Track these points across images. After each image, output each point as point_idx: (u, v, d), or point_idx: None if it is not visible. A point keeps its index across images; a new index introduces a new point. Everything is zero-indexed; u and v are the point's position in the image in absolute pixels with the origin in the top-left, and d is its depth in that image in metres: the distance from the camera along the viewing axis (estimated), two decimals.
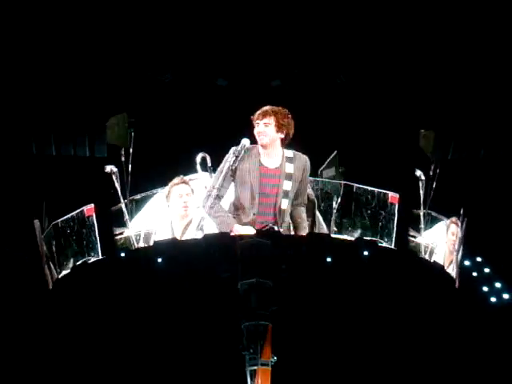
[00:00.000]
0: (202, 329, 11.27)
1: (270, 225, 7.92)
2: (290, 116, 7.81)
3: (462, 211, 9.05)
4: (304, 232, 8.03)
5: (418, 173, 8.86)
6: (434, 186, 8.96)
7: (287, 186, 7.71)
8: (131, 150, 8.53)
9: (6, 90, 10.46)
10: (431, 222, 8.93)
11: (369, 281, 10.19)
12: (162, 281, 10.10)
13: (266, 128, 7.65)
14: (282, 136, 7.78)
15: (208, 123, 11.71)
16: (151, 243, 8.52)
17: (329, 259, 9.79)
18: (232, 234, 7.84)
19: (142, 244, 8.54)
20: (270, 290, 9.29)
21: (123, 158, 8.47)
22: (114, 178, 8.49)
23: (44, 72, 10.51)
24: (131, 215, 8.54)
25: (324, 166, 8.98)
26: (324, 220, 8.55)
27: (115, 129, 8.82)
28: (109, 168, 8.55)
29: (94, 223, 8.01)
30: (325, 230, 8.31)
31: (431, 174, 9.00)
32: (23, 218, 10.75)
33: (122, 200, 8.46)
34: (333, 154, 9.02)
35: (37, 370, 12.25)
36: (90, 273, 9.55)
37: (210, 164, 8.55)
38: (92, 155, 11.60)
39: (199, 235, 8.04)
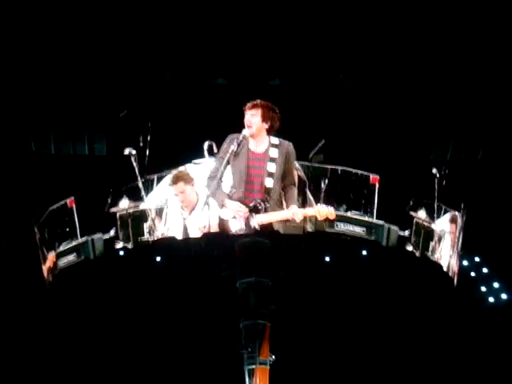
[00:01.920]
0: (200, 327, 11.57)
1: (258, 201, 8.59)
2: (276, 111, 8.68)
3: (462, 206, 9.76)
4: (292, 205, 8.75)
5: (434, 170, 9.83)
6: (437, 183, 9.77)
7: (271, 168, 8.58)
8: (149, 137, 9.55)
9: (6, 89, 10.44)
10: (441, 212, 9.81)
11: (367, 280, 10.32)
12: (161, 279, 10.28)
13: (253, 118, 8.60)
14: (267, 126, 8.64)
15: (212, 116, 12.35)
16: (163, 216, 9.26)
17: (327, 258, 10.03)
18: (223, 208, 8.63)
19: (154, 215, 9.21)
20: (269, 289, 9.25)
21: (141, 144, 9.53)
22: (132, 159, 9.17)
23: (44, 70, 10.48)
24: (147, 192, 9.36)
25: (313, 152, 9.88)
26: (314, 198, 9.24)
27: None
28: (127, 150, 9.15)
29: (74, 212, 9.19)
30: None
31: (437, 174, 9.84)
32: (19, 214, 10.84)
33: (139, 178, 9.20)
34: (321, 142, 9.95)
35: (34, 365, 12.29)
36: (89, 270, 9.58)
37: (215, 150, 9.30)
38: (91, 154, 11.67)
39: (206, 211, 8.65)
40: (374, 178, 9.15)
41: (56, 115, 10.20)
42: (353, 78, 11.02)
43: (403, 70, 11.53)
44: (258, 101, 8.70)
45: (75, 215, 9.20)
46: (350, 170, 9.22)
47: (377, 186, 9.13)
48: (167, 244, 9.46)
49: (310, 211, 8.75)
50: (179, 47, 11.08)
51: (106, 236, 9.23)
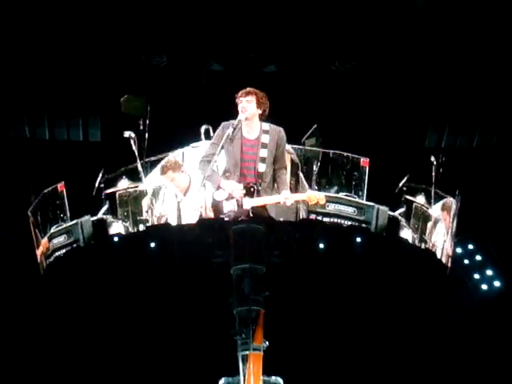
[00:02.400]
0: (194, 314, 11.61)
1: (251, 184, 9.00)
2: (266, 97, 9.15)
3: (457, 192, 10.10)
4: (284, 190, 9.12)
5: (432, 158, 10.31)
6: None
7: (263, 153, 9.03)
8: (147, 121, 9.89)
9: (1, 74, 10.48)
10: (438, 198, 10.27)
11: (361, 267, 10.39)
12: (155, 265, 10.22)
13: (249, 104, 9.04)
14: (260, 112, 9.11)
15: (208, 101, 12.59)
16: (160, 197, 9.69)
17: (321, 245, 10.09)
18: (220, 189, 9.00)
19: (152, 195, 9.65)
20: (263, 276, 9.42)
21: (141, 127, 9.87)
22: (131, 142, 9.73)
23: (40, 56, 10.51)
24: (146, 173, 9.91)
25: (306, 136, 10.26)
26: (306, 180, 9.71)
27: (134, 103, 10.04)
28: (127, 133, 9.71)
29: (64, 196, 9.72)
30: (306, 188, 9.47)
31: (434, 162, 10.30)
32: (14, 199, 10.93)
33: (138, 160, 9.79)
34: (313, 127, 10.30)
35: (29, 351, 12.38)
36: (83, 256, 9.80)
37: (212, 134, 9.74)
38: (86, 139, 11.72)
39: (202, 192, 9.02)
40: (364, 161, 9.64)
41: (51, 101, 10.25)
42: (348, 65, 11.11)
43: (399, 57, 11.60)
44: (250, 88, 9.14)
45: (65, 199, 9.69)
46: (342, 153, 9.69)
47: (367, 168, 9.61)
48: (162, 230, 9.66)
49: (300, 196, 9.15)
50: (176, 33, 11.15)
51: (94, 218, 9.69)
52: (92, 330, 12.22)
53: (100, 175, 10.31)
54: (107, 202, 10.16)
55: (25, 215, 10.17)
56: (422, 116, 12.43)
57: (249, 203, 8.98)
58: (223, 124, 9.16)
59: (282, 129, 9.21)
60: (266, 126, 9.18)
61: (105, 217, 9.89)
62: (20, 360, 12.37)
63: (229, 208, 9.00)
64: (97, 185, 10.26)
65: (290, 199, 8.96)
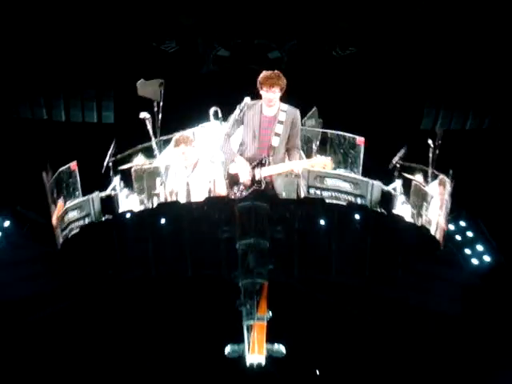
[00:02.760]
0: (201, 286, 11.77)
1: (264, 156, 9.55)
2: (285, 78, 9.54)
3: (450, 172, 10.63)
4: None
5: (429, 141, 10.80)
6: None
7: (279, 129, 9.60)
8: (161, 103, 10.36)
9: (19, 57, 10.62)
10: (433, 177, 10.86)
11: (359, 242, 10.75)
12: (164, 240, 10.46)
13: (275, 95, 9.52)
14: (281, 94, 9.60)
15: (216, 85, 12.88)
16: (171, 173, 10.21)
17: (322, 222, 10.42)
18: (233, 163, 9.63)
19: (164, 171, 10.16)
20: (267, 250, 9.77)
21: (155, 109, 10.33)
22: (147, 122, 10.20)
23: (59, 45, 10.65)
24: (159, 151, 10.44)
25: (306, 117, 10.83)
26: (306, 158, 10.20)
27: (148, 86, 10.48)
28: (143, 115, 10.17)
29: (77, 174, 10.33)
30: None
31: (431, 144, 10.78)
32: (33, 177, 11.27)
33: (152, 139, 10.28)
34: (313, 109, 10.87)
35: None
36: (97, 231, 10.28)
37: (220, 115, 10.45)
38: (99, 121, 11.95)
39: (211, 167, 9.85)
40: (360, 140, 10.31)
41: (67, 85, 10.48)
42: (348, 50, 11.27)
43: (396, 44, 11.64)
44: (274, 77, 9.50)
45: (78, 177, 10.34)
46: (339, 133, 10.35)
47: (362, 147, 10.25)
48: (172, 207, 10.02)
49: (309, 162, 9.80)
50: (184, 20, 11.30)
51: (103, 194, 10.35)
52: (104, 301, 12.43)
53: (108, 155, 10.78)
54: (115, 180, 10.67)
55: (43, 192, 10.59)
56: (418, 99, 12.58)
57: (262, 173, 9.59)
58: (245, 102, 9.72)
59: (298, 110, 9.77)
60: (285, 106, 9.71)
61: (113, 193, 10.51)
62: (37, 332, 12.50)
63: (244, 178, 9.60)
64: (105, 164, 10.76)
65: (298, 165, 9.60)
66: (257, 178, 9.65)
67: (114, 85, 10.62)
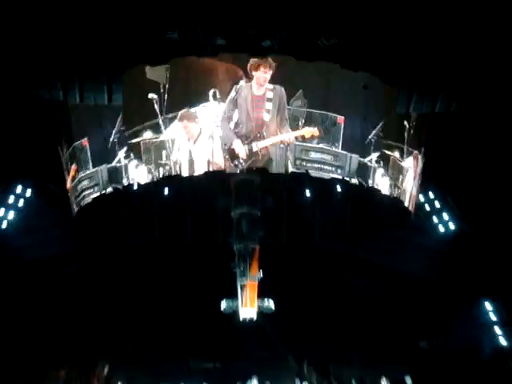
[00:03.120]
0: (200, 249, 12.32)
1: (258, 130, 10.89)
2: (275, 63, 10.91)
3: (422, 150, 11.81)
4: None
5: (405, 123, 11.79)
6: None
7: (268, 106, 11.06)
8: (167, 86, 11.32)
9: (39, 48, 11.19)
10: (408, 153, 11.86)
11: (340, 212, 11.82)
12: (168, 209, 11.62)
13: (267, 75, 10.94)
14: (271, 74, 11.04)
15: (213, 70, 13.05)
16: (175, 146, 11.30)
17: (308, 193, 11.48)
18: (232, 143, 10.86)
19: (170, 144, 11.34)
20: (258, 218, 10.86)
21: (162, 90, 11.28)
22: (154, 102, 11.26)
23: (74, 35, 11.19)
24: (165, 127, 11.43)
25: (293, 99, 11.68)
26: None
27: (156, 71, 11.43)
28: (151, 95, 11.26)
29: (87, 150, 11.58)
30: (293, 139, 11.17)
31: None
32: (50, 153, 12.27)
33: (159, 116, 11.28)
34: (299, 91, 11.75)
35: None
36: (107, 202, 11.45)
37: (218, 96, 11.39)
38: (110, 102, 12.67)
39: (210, 142, 11.02)
40: (340, 118, 11.47)
41: (81, 70, 11.13)
42: (332, 41, 11.84)
43: (376, 34, 12.11)
44: (270, 61, 10.87)
45: (88, 152, 11.55)
46: (322, 112, 11.44)
47: (342, 125, 11.40)
48: (175, 180, 11.08)
49: (299, 132, 11.10)
50: (185, 12, 11.99)
51: (110, 166, 11.47)
52: (114, 263, 12.96)
53: (114, 131, 11.59)
54: (119, 153, 11.49)
55: (60, 166, 11.65)
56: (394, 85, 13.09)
57: (258, 145, 10.86)
58: (235, 86, 10.97)
59: (283, 88, 11.12)
60: (271, 85, 11.05)
61: (118, 165, 11.52)
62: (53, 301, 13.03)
63: (242, 152, 10.81)
64: (111, 139, 11.60)
65: (290, 135, 10.93)
66: (254, 150, 10.83)
67: (124, 70, 11.28)
